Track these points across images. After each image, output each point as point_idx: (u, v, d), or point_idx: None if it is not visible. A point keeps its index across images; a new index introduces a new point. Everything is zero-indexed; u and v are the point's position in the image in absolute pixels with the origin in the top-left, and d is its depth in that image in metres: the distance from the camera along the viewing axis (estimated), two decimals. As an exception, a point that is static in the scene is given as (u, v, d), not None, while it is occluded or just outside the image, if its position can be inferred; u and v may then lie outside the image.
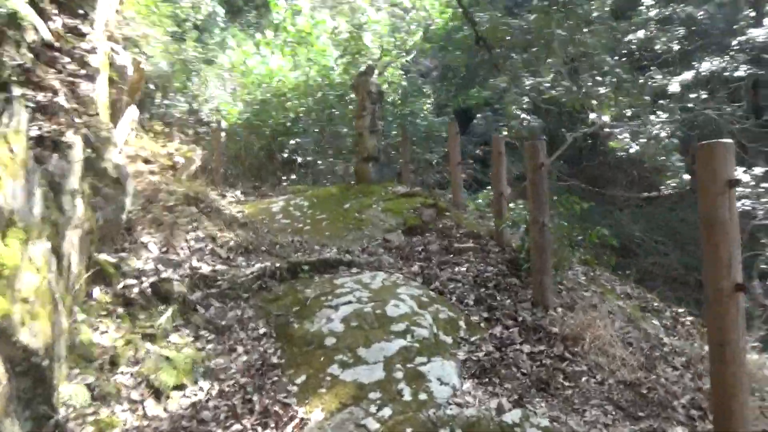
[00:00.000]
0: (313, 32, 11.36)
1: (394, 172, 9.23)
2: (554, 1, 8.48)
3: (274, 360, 3.41)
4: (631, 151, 8.59)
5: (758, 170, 12.18)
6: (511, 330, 3.67)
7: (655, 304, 6.02)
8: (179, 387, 3.12)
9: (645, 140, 8.63)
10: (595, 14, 8.22)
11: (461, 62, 13.15)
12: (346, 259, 4.83)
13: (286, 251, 5.52)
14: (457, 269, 4.98)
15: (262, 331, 3.77)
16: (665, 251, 15.33)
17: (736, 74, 13.12)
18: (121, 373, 3.03)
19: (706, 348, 5.26)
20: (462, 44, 13.09)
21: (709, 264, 2.43)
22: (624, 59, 8.87)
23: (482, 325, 3.81)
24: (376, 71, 9.43)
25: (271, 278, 4.45)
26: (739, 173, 12.62)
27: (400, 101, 12.55)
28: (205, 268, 4.42)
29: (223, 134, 10.40)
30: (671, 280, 15.19)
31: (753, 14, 15.41)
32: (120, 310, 3.57)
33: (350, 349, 3.36)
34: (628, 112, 9.54)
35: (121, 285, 3.76)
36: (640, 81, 8.55)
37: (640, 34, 10.82)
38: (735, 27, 14.80)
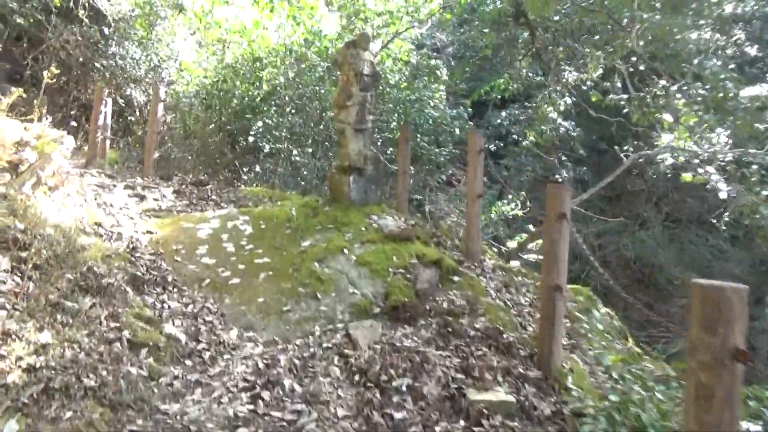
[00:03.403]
0: (300, -18, 8.57)
1: (384, 184, 6.49)
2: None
3: None
4: (722, 195, 6.00)
5: None
6: None
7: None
8: None
9: (741, 185, 6.04)
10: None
11: (488, 42, 10.32)
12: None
13: (145, 394, 2.89)
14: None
15: None
16: (678, 274, 13.02)
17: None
18: None
19: None
20: (492, 19, 10.27)
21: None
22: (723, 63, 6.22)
23: None
24: (375, 43, 6.70)
25: None
26: None
27: (405, 84, 9.66)
28: None
29: (161, 105, 7.67)
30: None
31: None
32: None
33: None
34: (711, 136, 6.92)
35: None
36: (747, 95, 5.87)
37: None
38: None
